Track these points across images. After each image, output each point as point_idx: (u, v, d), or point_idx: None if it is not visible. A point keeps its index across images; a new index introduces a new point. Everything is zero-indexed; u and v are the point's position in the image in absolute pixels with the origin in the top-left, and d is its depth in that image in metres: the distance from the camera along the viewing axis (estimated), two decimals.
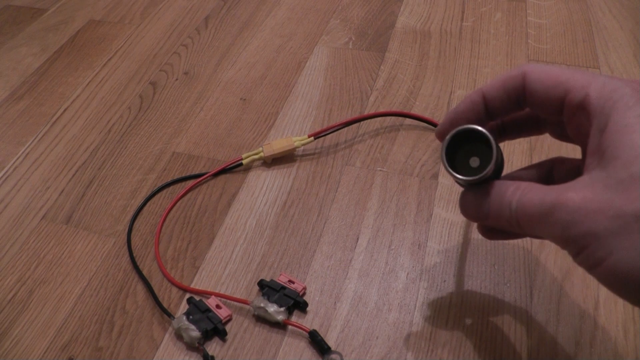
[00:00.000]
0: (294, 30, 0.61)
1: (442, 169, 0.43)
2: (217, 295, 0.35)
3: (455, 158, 0.27)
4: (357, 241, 0.39)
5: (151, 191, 0.43)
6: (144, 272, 0.38)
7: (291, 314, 0.35)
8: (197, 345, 0.33)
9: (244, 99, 0.52)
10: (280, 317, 0.33)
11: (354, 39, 0.59)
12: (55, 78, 0.57)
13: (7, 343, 0.35)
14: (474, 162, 0.27)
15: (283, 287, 0.35)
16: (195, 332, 0.33)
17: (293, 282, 0.36)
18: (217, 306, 0.35)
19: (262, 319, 0.34)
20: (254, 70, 0.56)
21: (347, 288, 0.36)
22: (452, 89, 0.52)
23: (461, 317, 0.34)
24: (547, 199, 0.23)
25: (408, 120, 0.48)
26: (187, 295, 0.36)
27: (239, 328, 0.34)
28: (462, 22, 0.61)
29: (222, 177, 0.44)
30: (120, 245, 0.40)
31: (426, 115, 0.48)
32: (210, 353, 0.33)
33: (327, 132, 0.46)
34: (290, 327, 0.34)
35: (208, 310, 0.34)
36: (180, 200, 0.43)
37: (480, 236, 0.39)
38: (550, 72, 0.25)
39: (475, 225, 0.39)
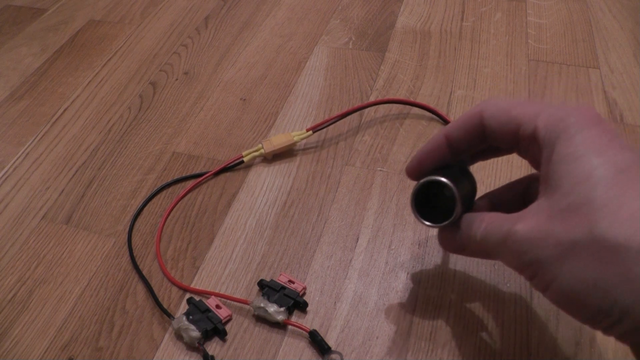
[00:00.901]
0: (294, 30, 0.61)
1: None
2: (217, 295, 0.35)
3: (426, 201, 0.30)
4: (357, 241, 0.39)
5: (152, 191, 0.43)
6: (144, 272, 0.38)
7: (291, 314, 0.35)
8: (197, 345, 0.33)
9: (244, 99, 0.52)
10: (280, 317, 0.33)
11: (354, 39, 0.59)
12: (55, 78, 0.57)
13: (7, 343, 0.35)
14: (443, 203, 0.30)
15: (283, 287, 0.35)
16: (195, 332, 0.33)
17: (293, 282, 0.36)
18: (217, 306, 0.35)
19: (262, 319, 0.34)
20: (254, 70, 0.56)
21: (347, 288, 0.36)
22: (452, 89, 0.52)
23: (461, 317, 0.34)
24: (502, 230, 0.25)
25: (408, 120, 0.48)
26: (187, 295, 0.36)
27: (239, 328, 0.34)
28: (462, 22, 0.61)
29: (222, 177, 0.44)
30: (120, 245, 0.40)
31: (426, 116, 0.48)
32: (210, 353, 0.33)
33: (326, 124, 0.46)
34: (290, 327, 0.34)
35: (208, 310, 0.34)
36: (180, 200, 0.43)
37: None
38: (504, 108, 0.27)
39: None
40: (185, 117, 0.51)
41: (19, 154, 0.48)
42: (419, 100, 0.50)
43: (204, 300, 0.35)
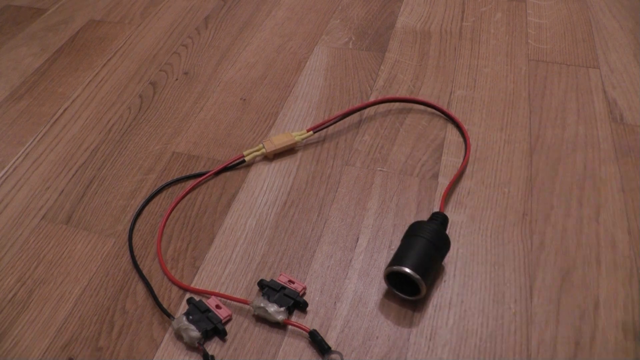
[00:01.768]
0: (294, 30, 0.61)
1: (442, 169, 0.43)
2: (217, 295, 0.35)
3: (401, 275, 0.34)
4: (357, 241, 0.39)
5: (152, 191, 0.43)
6: (144, 272, 0.38)
7: (291, 314, 0.35)
8: (197, 345, 0.33)
9: (244, 99, 0.52)
10: (280, 317, 0.33)
11: (354, 39, 0.59)
12: (55, 78, 0.57)
13: (7, 343, 0.35)
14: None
15: (283, 287, 0.35)
16: (195, 332, 0.33)
17: (293, 282, 0.36)
18: (217, 306, 0.35)
19: (262, 319, 0.34)
20: (254, 70, 0.56)
21: (347, 288, 0.36)
22: (452, 89, 0.52)
23: (461, 317, 0.34)
24: None
25: (408, 120, 0.48)
26: (187, 295, 0.36)
27: (239, 328, 0.34)
28: (462, 22, 0.61)
29: (222, 177, 0.44)
30: (120, 245, 0.40)
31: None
32: (210, 353, 0.33)
33: (326, 124, 0.46)
34: (290, 327, 0.34)
35: (208, 310, 0.34)
36: (180, 201, 0.43)
37: (480, 237, 0.39)
38: None
39: (477, 225, 0.39)
40: (185, 117, 0.51)
41: (19, 154, 0.48)
42: (420, 99, 0.50)
43: (204, 300, 0.35)
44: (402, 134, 0.47)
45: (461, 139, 0.46)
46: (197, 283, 0.37)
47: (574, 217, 0.40)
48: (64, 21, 0.66)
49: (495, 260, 0.37)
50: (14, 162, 0.48)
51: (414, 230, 0.35)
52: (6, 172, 0.47)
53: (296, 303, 0.34)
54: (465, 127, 0.47)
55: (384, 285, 0.36)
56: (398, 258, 0.34)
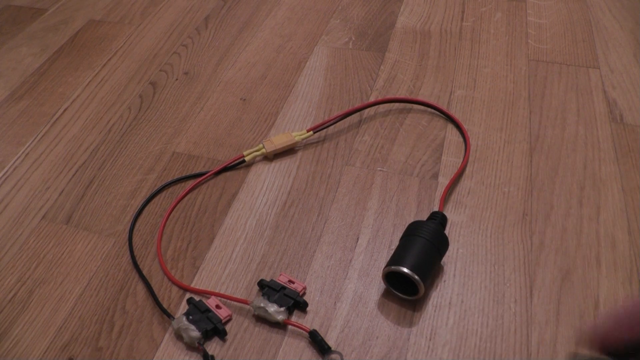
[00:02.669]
0: (294, 30, 0.61)
1: (442, 169, 0.43)
2: (217, 295, 0.35)
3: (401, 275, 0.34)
4: (357, 241, 0.39)
5: (152, 191, 0.43)
6: (144, 272, 0.38)
7: (291, 314, 0.35)
8: (197, 345, 0.33)
9: (244, 99, 0.52)
10: (280, 317, 0.33)
11: (354, 39, 0.59)
12: (55, 78, 0.57)
13: (7, 343, 0.35)
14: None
15: (283, 287, 0.35)
16: (195, 332, 0.33)
17: (293, 282, 0.36)
18: (217, 306, 0.35)
19: (262, 319, 0.34)
20: (254, 70, 0.56)
21: (347, 288, 0.36)
22: (452, 89, 0.52)
23: (461, 317, 0.34)
24: None
25: (408, 120, 0.48)
26: (187, 295, 0.36)
27: (239, 328, 0.34)
28: (462, 22, 0.61)
29: (222, 177, 0.44)
30: (120, 245, 0.40)
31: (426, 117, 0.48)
32: (210, 353, 0.33)
33: (326, 125, 0.46)
34: (290, 327, 0.34)
35: (208, 310, 0.34)
36: (180, 201, 0.43)
37: (480, 237, 0.39)
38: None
39: (476, 225, 0.39)
40: (185, 117, 0.51)
41: (19, 154, 0.48)
42: (420, 99, 0.50)
43: (204, 300, 0.35)
44: (402, 134, 0.47)
45: (461, 139, 0.46)
46: (197, 283, 0.37)
47: (574, 217, 0.40)
48: (64, 21, 0.66)
49: (495, 260, 0.37)
50: (14, 162, 0.48)
51: (412, 230, 0.35)
52: (6, 172, 0.47)
53: (296, 303, 0.34)
54: (465, 127, 0.47)
55: (383, 285, 0.36)
56: (396, 258, 0.34)
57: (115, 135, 0.49)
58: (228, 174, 0.45)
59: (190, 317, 0.34)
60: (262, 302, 0.34)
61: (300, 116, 0.50)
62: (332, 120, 0.47)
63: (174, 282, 0.37)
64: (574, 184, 0.42)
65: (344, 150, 0.46)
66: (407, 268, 0.33)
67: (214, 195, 0.43)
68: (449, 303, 0.35)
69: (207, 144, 0.48)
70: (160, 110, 0.52)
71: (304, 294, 0.36)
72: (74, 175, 0.46)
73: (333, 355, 0.32)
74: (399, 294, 0.35)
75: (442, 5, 0.64)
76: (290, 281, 0.36)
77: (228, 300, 0.35)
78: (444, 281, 0.36)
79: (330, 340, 0.33)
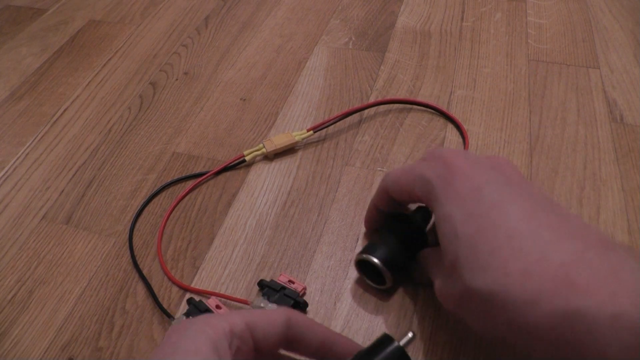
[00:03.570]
0: (294, 31, 0.61)
1: None
2: (217, 295, 0.35)
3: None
4: (357, 241, 0.39)
5: (152, 191, 0.44)
6: (144, 272, 0.38)
7: None
8: None
9: (244, 99, 0.52)
10: None
11: (354, 39, 0.59)
12: (55, 78, 0.57)
13: (7, 343, 0.35)
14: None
15: (283, 287, 0.35)
16: None
17: (293, 282, 0.36)
18: (217, 306, 0.35)
19: None
20: (254, 70, 0.56)
21: (347, 288, 0.36)
22: (452, 89, 0.52)
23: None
24: (435, 285, 0.30)
25: (408, 120, 0.48)
26: (187, 295, 0.36)
27: None
28: (462, 22, 0.61)
29: (222, 177, 0.44)
30: (120, 245, 0.40)
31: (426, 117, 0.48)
32: None
33: (327, 124, 0.46)
34: None
35: (208, 310, 0.34)
36: (181, 201, 0.43)
37: None
38: (396, 181, 0.32)
39: None
40: (185, 117, 0.51)
41: (19, 154, 0.48)
42: (420, 100, 0.50)
43: (204, 300, 0.35)
44: (402, 134, 0.47)
45: (461, 139, 0.46)
46: (197, 283, 0.37)
47: None
48: (64, 21, 0.66)
49: None
50: (14, 162, 0.48)
51: (392, 221, 0.36)
52: (6, 172, 0.47)
53: (296, 303, 0.34)
54: (465, 127, 0.47)
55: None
56: (367, 247, 0.34)
57: (115, 136, 0.49)
58: (228, 174, 0.45)
59: (190, 317, 0.34)
60: (262, 302, 0.34)
61: (300, 116, 0.50)
62: (332, 120, 0.47)
63: (174, 282, 0.37)
64: (574, 184, 0.42)
65: (344, 150, 0.46)
66: (375, 257, 0.33)
67: (214, 195, 0.43)
68: None
69: (207, 144, 0.48)
70: (160, 110, 0.52)
71: (304, 294, 0.36)
72: (74, 175, 0.46)
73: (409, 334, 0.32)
74: (371, 284, 0.35)
75: (442, 5, 0.64)
76: (290, 281, 0.36)
77: (228, 300, 0.35)
78: None
79: None
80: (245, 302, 0.35)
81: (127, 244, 0.40)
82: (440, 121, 0.48)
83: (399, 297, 0.35)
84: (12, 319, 0.36)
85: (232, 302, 0.35)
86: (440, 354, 0.32)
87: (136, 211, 0.42)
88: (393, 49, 0.57)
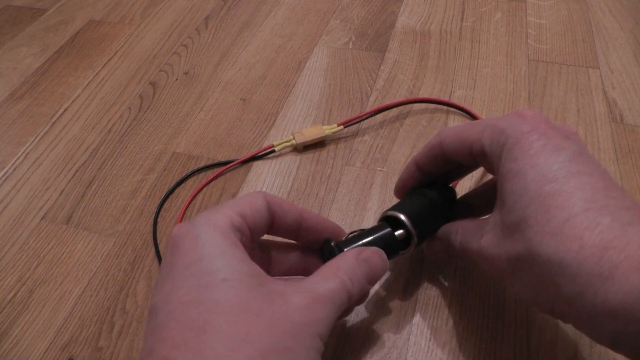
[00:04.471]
0: (294, 31, 0.61)
1: None
2: None
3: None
4: None
5: (170, 185, 0.43)
6: (143, 273, 0.38)
7: None
8: None
9: (244, 99, 0.52)
10: None
11: (354, 39, 0.59)
12: (55, 78, 0.57)
13: (7, 343, 0.35)
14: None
15: None
16: None
17: None
18: None
19: None
20: (254, 70, 0.56)
21: None
22: (452, 89, 0.52)
23: (461, 317, 0.34)
24: (474, 245, 0.28)
25: (408, 120, 0.48)
26: None
27: None
28: (462, 22, 0.61)
29: (222, 177, 0.44)
30: (120, 245, 0.40)
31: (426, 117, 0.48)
32: None
33: (357, 120, 0.48)
34: None
35: None
36: (199, 192, 0.43)
37: None
38: (456, 132, 0.29)
39: None
40: (185, 117, 0.51)
41: (19, 154, 0.48)
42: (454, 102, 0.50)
43: None
44: (402, 134, 0.47)
45: None
46: None
47: None
48: (64, 21, 0.66)
49: None
50: (14, 162, 0.48)
51: (424, 187, 0.34)
52: (6, 172, 0.47)
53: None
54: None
55: (384, 285, 0.36)
56: (395, 206, 0.32)
57: (115, 136, 0.49)
58: (228, 174, 0.45)
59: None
60: None
61: (300, 116, 0.50)
62: (363, 115, 0.47)
63: None
64: None
65: (344, 150, 0.46)
66: (404, 215, 0.31)
67: (214, 195, 0.43)
68: (449, 303, 0.35)
69: (207, 144, 0.48)
70: (160, 110, 0.52)
71: None
72: (74, 175, 0.46)
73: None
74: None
75: (442, 5, 0.64)
76: None
77: None
78: (444, 281, 0.36)
79: (330, 341, 0.33)
80: None
81: (128, 243, 0.40)
82: (440, 121, 0.48)
83: (399, 297, 0.35)
84: (12, 319, 0.36)
85: None
86: (440, 354, 0.32)
87: (158, 203, 0.42)
88: (393, 49, 0.57)
